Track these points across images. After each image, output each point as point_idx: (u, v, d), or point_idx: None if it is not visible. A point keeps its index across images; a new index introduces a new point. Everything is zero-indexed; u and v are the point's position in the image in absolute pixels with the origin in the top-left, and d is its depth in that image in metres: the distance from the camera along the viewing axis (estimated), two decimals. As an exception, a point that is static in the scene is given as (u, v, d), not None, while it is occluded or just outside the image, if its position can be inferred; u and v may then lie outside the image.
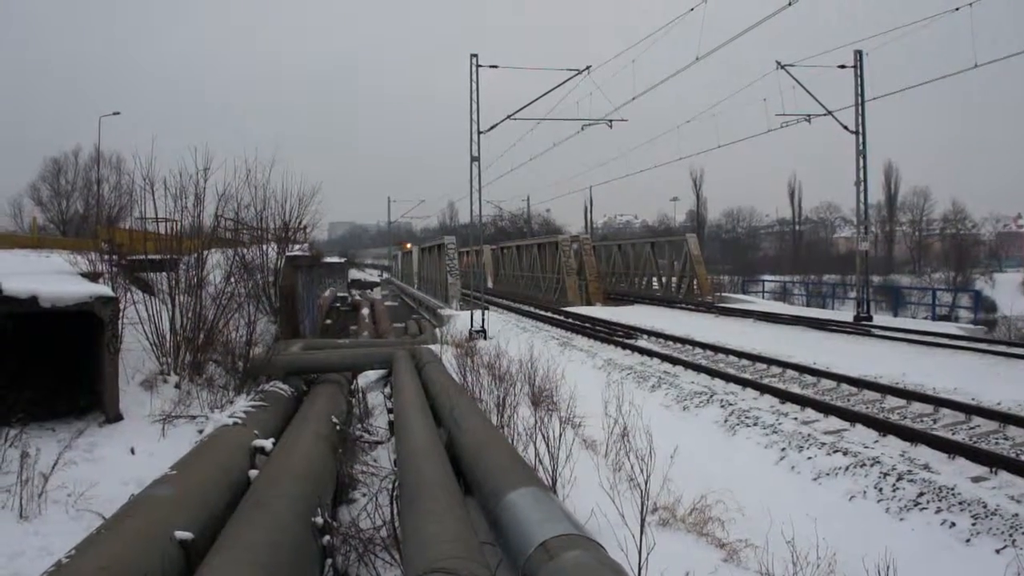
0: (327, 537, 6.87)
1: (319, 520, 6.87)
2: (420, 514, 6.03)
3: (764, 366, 17.41)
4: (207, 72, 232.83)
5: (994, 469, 9.04)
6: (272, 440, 9.64)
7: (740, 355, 18.84)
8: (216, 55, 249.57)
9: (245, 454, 8.94)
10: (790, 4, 18.46)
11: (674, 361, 18.23)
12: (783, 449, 10.73)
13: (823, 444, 10.51)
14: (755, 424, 11.93)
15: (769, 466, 10.41)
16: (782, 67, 26.87)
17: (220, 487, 7.43)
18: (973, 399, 12.75)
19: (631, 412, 8.61)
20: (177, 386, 13.34)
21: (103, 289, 12.14)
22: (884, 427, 11.10)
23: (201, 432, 10.67)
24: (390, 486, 8.59)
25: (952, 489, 8.40)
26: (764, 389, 14.27)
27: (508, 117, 28.22)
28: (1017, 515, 7.54)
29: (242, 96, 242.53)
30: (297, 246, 26.30)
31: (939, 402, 12.51)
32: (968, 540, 7.46)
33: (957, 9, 18.91)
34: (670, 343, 22.55)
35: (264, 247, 23.68)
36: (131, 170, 17.61)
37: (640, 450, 7.11)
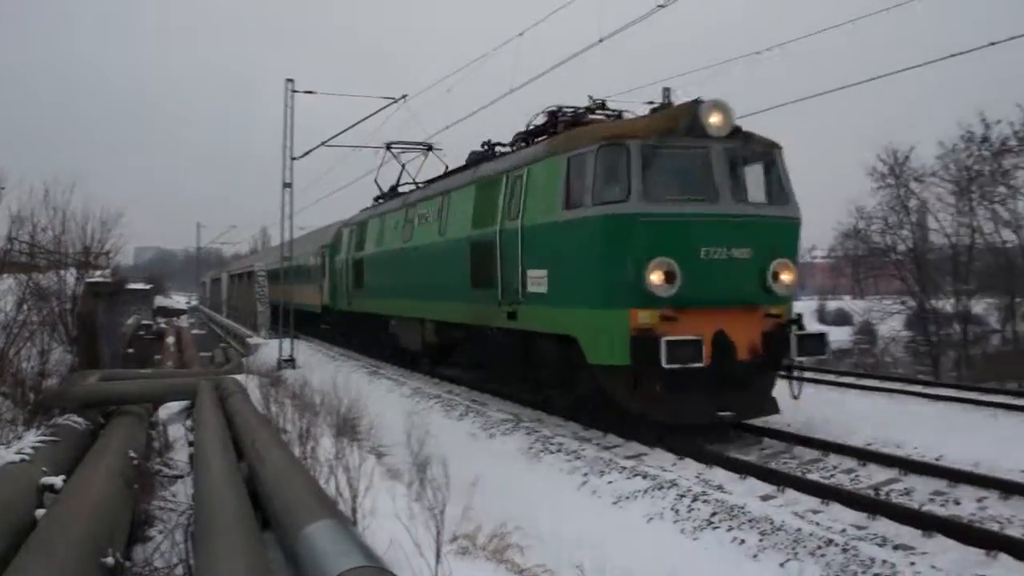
0: (118, 578, 6.29)
1: (110, 560, 6.28)
2: (214, 550, 5.71)
3: (571, 394, 17.64)
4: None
5: (781, 488, 9.50)
6: (63, 477, 8.81)
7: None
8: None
9: (32, 492, 8.09)
10: (601, 40, 19.15)
11: (481, 389, 18.21)
12: (585, 474, 10.81)
13: (624, 468, 10.66)
14: (559, 451, 11.98)
15: (571, 491, 10.44)
16: (594, 102, 27.76)
17: (1, 529, 6.68)
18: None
19: (436, 441, 8.40)
20: (-44, 422, 11.97)
21: None
22: (682, 451, 11.45)
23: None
24: (186, 522, 8.10)
25: (743, 508, 8.69)
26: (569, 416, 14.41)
27: (322, 144, 27.81)
28: (800, 530, 7.89)
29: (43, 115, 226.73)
30: (99, 272, 24.81)
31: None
32: (755, 556, 7.71)
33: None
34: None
35: (62, 272, 22.11)
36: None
37: (438, 480, 6.95)
